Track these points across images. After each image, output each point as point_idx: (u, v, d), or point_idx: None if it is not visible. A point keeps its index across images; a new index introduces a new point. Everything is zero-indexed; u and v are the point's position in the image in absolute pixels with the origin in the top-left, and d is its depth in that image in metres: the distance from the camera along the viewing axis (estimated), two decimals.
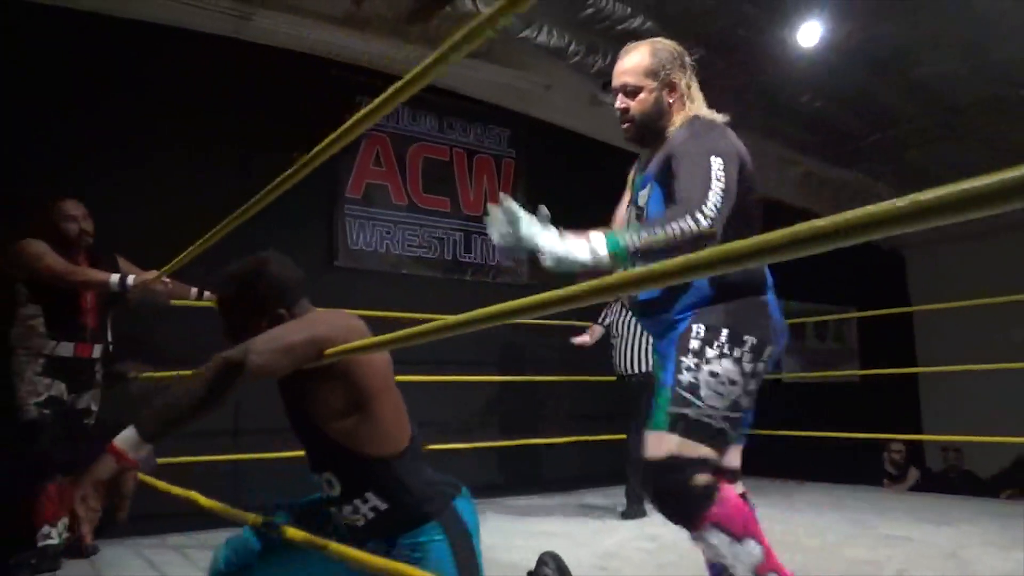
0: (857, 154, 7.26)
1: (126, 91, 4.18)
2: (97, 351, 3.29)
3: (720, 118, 1.93)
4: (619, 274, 0.89)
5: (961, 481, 6.37)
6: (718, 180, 1.70)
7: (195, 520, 3.84)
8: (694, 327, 1.80)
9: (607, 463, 5.33)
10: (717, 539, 1.67)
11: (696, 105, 1.94)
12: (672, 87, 1.92)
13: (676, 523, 1.73)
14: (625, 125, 1.96)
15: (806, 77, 5.79)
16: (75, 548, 3.24)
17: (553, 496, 5.19)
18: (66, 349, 3.16)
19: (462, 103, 5.46)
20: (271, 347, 1.47)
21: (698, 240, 1.62)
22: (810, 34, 4.80)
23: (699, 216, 1.64)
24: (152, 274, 2.99)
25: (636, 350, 4.48)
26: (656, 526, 3.78)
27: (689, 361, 1.76)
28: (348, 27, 4.80)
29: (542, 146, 5.94)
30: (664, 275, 0.84)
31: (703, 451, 1.70)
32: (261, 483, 4.10)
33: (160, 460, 3.34)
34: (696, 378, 1.75)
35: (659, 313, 1.90)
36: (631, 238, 1.62)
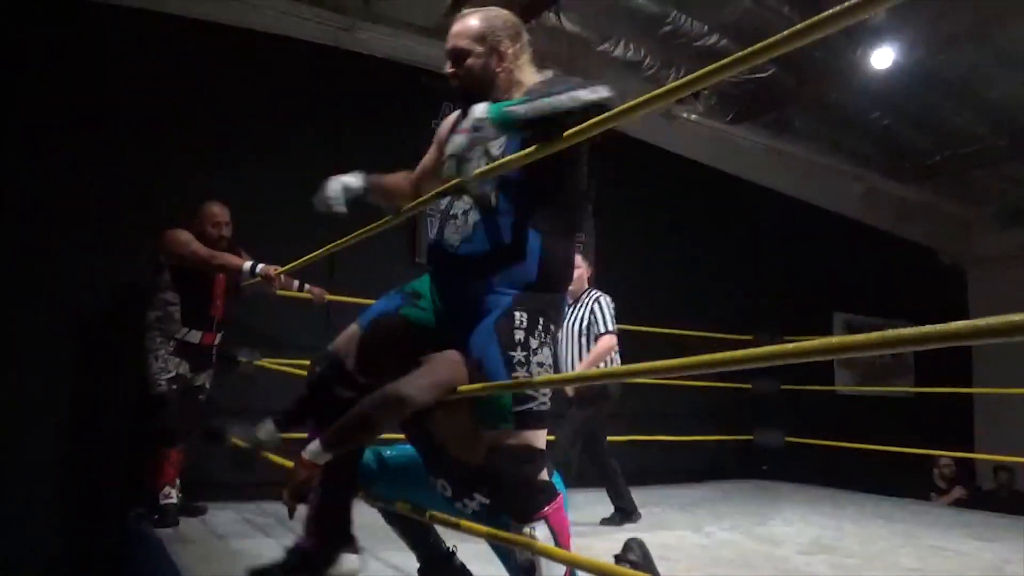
0: (922, 171, 7.32)
1: (233, 96, 4.52)
2: (217, 338, 3.77)
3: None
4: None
5: (1011, 501, 6.42)
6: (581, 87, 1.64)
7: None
8: (516, 314, 1.77)
9: None
10: (542, 535, 1.70)
11: (526, 76, 1.91)
12: (500, 55, 1.89)
13: (513, 515, 1.74)
14: (453, 84, 1.94)
15: (877, 96, 5.91)
16: (189, 508, 3.63)
17: None
18: (195, 336, 3.64)
19: None
20: (425, 384, 1.77)
21: (593, 107, 1.58)
22: (883, 58, 4.93)
23: (595, 87, 1.62)
24: (274, 268, 3.33)
25: (569, 356, 4.11)
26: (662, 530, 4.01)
27: (519, 355, 1.75)
28: (438, 36, 5.09)
29: (615, 157, 6.14)
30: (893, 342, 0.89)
31: (543, 437, 1.78)
32: None
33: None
34: (529, 372, 1.75)
35: (480, 275, 1.82)
36: (515, 106, 1.64)
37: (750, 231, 6.91)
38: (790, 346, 1.02)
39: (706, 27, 5.19)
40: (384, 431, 1.83)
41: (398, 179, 2.27)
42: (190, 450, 3.66)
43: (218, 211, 3.68)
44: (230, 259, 3.50)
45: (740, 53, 1.27)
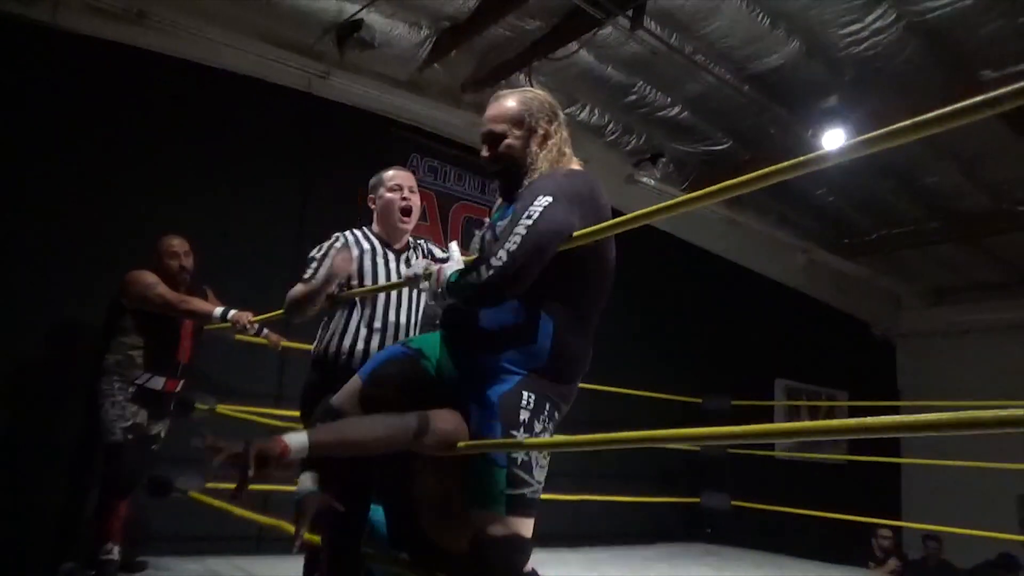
0: (860, 248, 7.69)
1: (202, 135, 4.45)
2: (180, 385, 3.52)
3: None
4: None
5: (938, 571, 6.62)
6: (527, 218, 1.65)
7: (231, 544, 4.05)
8: (524, 394, 1.70)
9: None
10: None
11: (566, 158, 1.88)
12: (538, 138, 1.85)
13: None
14: (489, 168, 1.92)
15: (823, 174, 6.21)
16: (130, 565, 3.42)
17: None
18: (157, 383, 3.39)
19: None
20: (427, 425, 1.69)
21: (483, 292, 1.63)
22: (834, 139, 5.20)
23: (482, 268, 1.63)
24: (247, 315, 3.20)
25: None
26: None
27: (521, 438, 1.67)
28: (410, 90, 5.15)
29: None
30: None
31: (531, 526, 1.68)
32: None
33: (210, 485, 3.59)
34: (528, 455, 1.67)
35: (491, 350, 1.76)
36: (450, 279, 1.72)
37: (700, 296, 7.09)
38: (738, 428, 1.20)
39: (669, 99, 5.40)
40: (369, 452, 1.70)
41: None
42: (134, 502, 3.47)
43: (176, 242, 3.47)
44: (199, 304, 3.31)
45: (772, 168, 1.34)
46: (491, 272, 1.61)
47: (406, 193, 2.62)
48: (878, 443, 8.04)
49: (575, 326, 1.79)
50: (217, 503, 3.48)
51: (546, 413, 1.72)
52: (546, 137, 1.85)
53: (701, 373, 6.69)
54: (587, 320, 1.83)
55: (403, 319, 2.52)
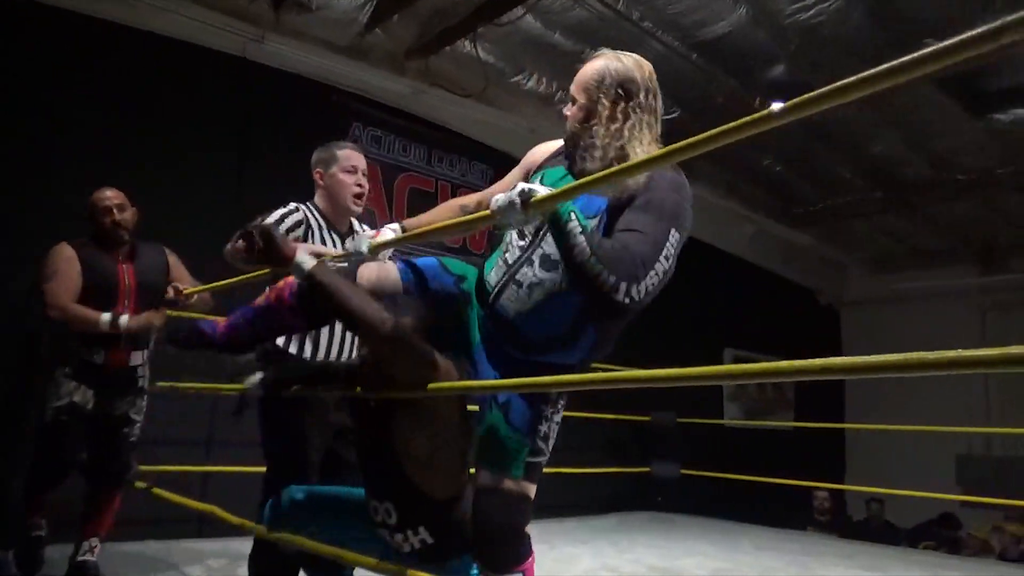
0: (806, 217, 7.77)
1: (131, 101, 4.23)
2: (136, 358, 3.05)
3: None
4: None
5: (881, 531, 6.81)
6: (665, 259, 1.61)
7: (174, 527, 3.92)
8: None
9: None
10: None
11: (633, 147, 1.71)
12: (601, 114, 1.73)
13: (491, 564, 1.67)
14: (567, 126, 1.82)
15: (770, 143, 6.23)
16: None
17: None
18: (97, 355, 2.95)
19: (451, 138, 5.67)
20: (417, 345, 1.63)
21: (608, 303, 1.54)
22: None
23: (630, 290, 1.54)
24: (147, 316, 2.90)
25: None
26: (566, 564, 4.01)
27: (548, 411, 1.74)
28: (352, 56, 4.97)
29: None
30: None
31: (533, 491, 1.74)
32: (233, 495, 4.16)
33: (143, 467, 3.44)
34: (549, 428, 1.75)
35: (524, 348, 1.75)
36: (581, 228, 1.52)
37: None
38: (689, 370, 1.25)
39: None
40: (348, 318, 1.64)
41: (444, 212, 2.17)
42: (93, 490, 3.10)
43: (108, 194, 3.02)
44: (80, 312, 2.85)
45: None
46: (628, 299, 1.54)
47: (360, 177, 2.55)
48: (823, 410, 8.24)
49: (611, 331, 1.81)
50: (157, 491, 3.30)
51: (563, 401, 1.81)
52: (608, 116, 1.72)
53: (649, 343, 6.70)
54: (617, 323, 1.79)
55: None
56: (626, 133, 1.71)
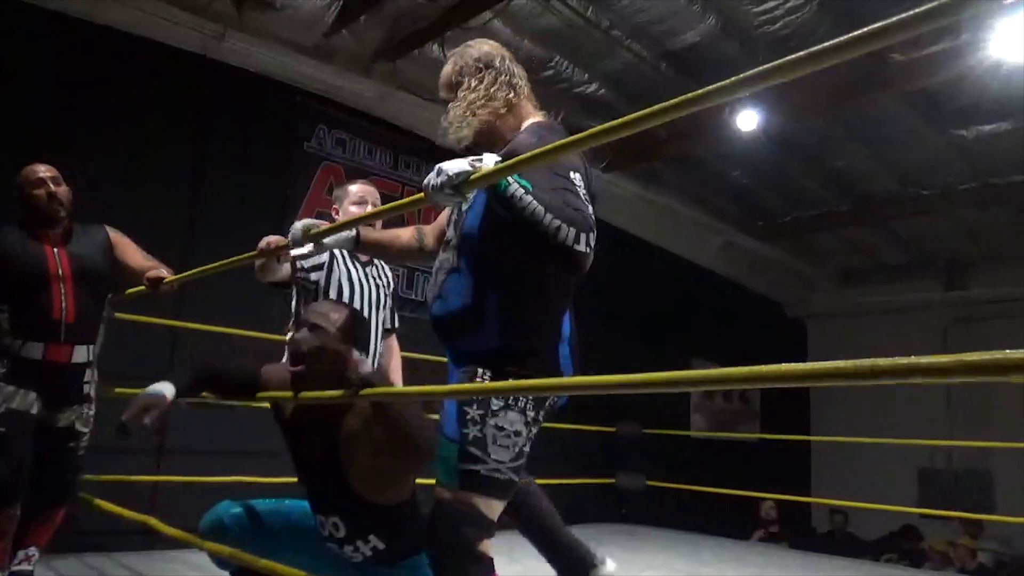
0: (773, 229, 7.81)
1: (85, 97, 4.10)
2: (80, 354, 2.68)
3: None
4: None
5: (844, 542, 6.84)
6: (586, 202, 1.61)
7: (117, 540, 3.78)
8: (479, 370, 1.67)
9: None
10: None
11: (505, 120, 1.79)
12: (468, 99, 1.77)
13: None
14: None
15: (738, 156, 6.25)
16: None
17: None
18: (34, 350, 2.58)
19: (417, 142, 5.58)
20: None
21: (569, 256, 1.53)
22: (748, 121, 5.21)
23: (589, 239, 1.55)
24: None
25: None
26: None
27: (474, 413, 1.62)
28: (317, 58, 4.88)
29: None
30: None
31: (494, 506, 1.64)
32: (182, 505, 4.03)
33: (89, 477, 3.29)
34: (482, 432, 1.61)
35: (447, 337, 1.76)
36: (519, 186, 1.52)
37: (617, 275, 7.06)
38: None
39: (587, 75, 5.29)
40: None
41: (397, 233, 2.15)
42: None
43: (41, 168, 2.74)
44: None
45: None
46: (588, 248, 1.55)
47: (369, 208, 2.71)
48: (789, 422, 8.27)
49: (529, 299, 1.69)
50: (99, 502, 3.16)
51: (518, 403, 1.66)
52: (474, 97, 1.77)
53: (618, 352, 6.66)
54: (543, 290, 1.71)
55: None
56: (507, 100, 1.80)
